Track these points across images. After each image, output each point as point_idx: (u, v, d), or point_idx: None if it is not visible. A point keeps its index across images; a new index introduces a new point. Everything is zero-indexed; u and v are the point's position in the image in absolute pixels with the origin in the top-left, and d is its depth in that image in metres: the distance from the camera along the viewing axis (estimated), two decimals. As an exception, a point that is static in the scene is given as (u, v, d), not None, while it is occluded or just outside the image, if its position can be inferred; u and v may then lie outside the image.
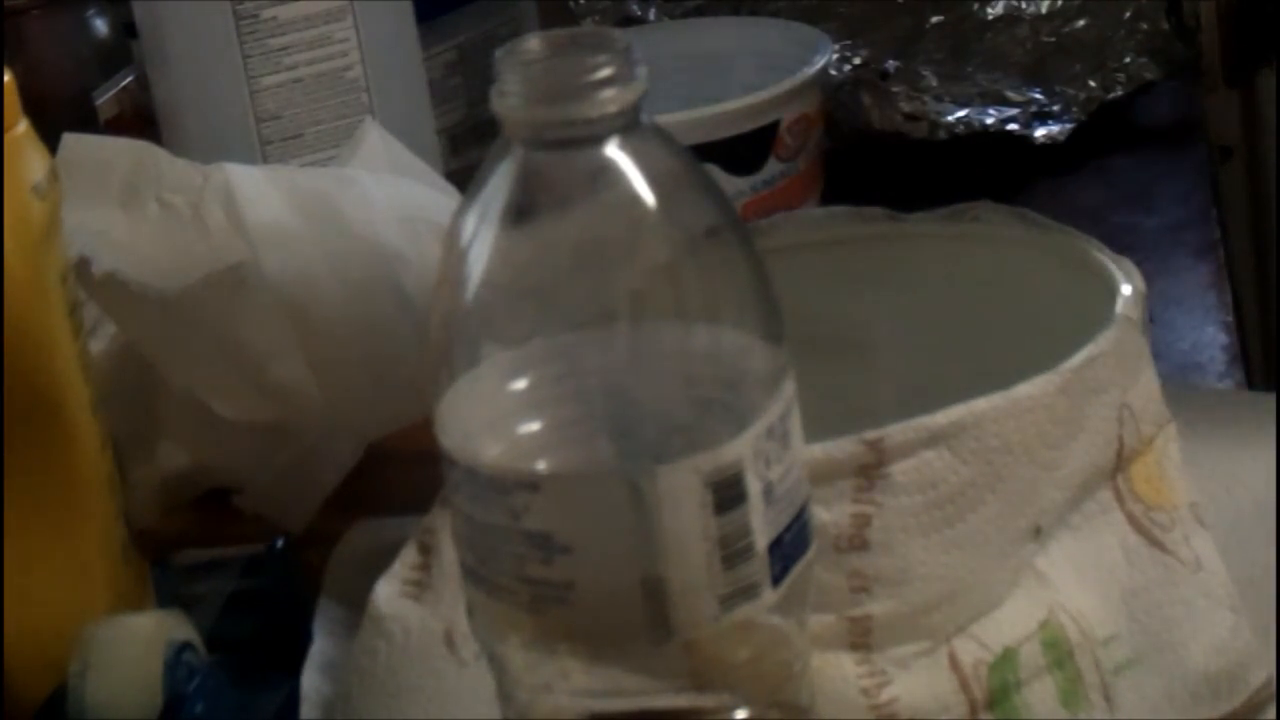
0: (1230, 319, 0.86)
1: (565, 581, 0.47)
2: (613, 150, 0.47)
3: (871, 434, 0.55)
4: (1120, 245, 0.64)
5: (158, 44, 0.97)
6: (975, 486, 0.55)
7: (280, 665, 0.65)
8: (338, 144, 0.94)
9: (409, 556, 0.63)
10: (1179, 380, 0.79)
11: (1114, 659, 0.56)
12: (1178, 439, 0.60)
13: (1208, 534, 0.60)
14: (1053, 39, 1.11)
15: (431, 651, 0.59)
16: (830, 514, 0.54)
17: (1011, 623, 0.55)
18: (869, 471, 0.54)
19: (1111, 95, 1.07)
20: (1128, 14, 1.10)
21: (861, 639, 0.54)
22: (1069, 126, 1.04)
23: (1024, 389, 0.56)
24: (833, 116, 1.02)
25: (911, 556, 0.54)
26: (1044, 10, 1.12)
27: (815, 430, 0.51)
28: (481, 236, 0.47)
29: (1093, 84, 1.08)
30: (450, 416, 0.48)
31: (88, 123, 0.99)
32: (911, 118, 1.04)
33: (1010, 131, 1.04)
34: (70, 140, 0.79)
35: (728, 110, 0.95)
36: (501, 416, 0.49)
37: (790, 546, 0.48)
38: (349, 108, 0.97)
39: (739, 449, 0.47)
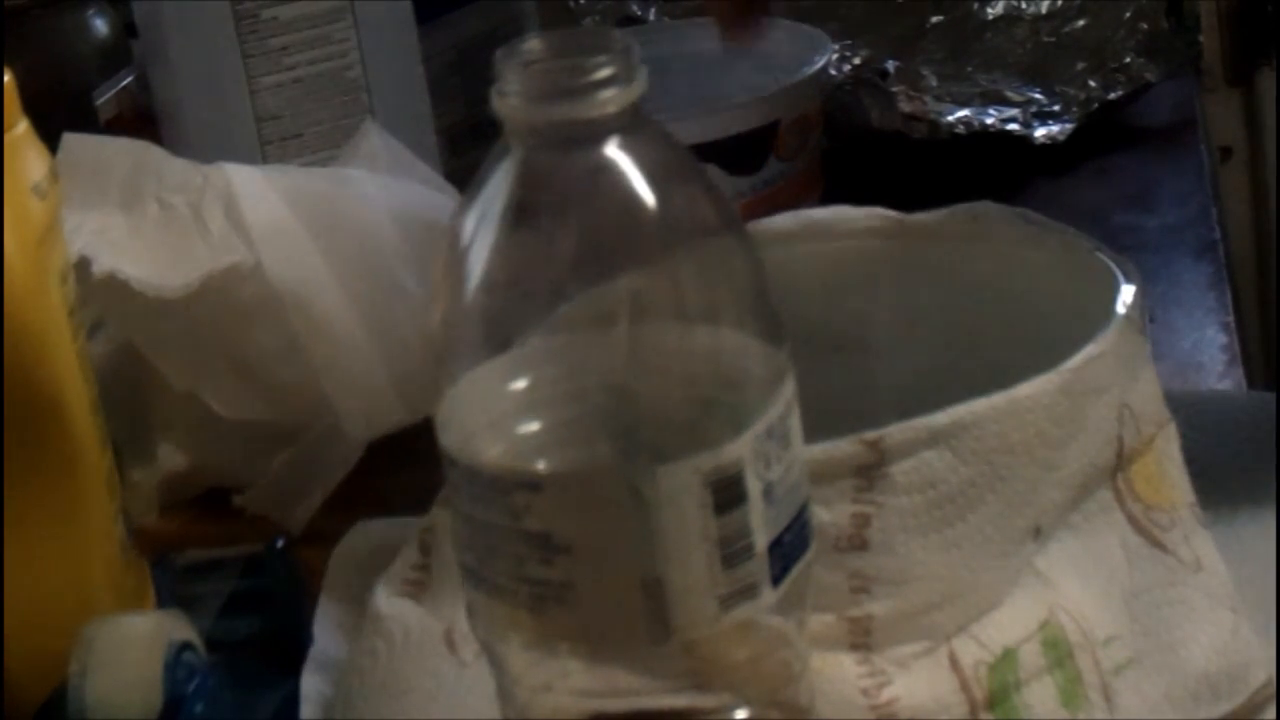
0: (1230, 319, 0.86)
1: (565, 581, 0.47)
2: (613, 150, 0.47)
3: (871, 434, 0.55)
4: (1120, 245, 0.64)
5: (158, 44, 0.97)
6: (975, 486, 0.55)
7: (280, 665, 0.65)
8: (338, 144, 0.94)
9: (409, 556, 0.63)
10: (1179, 380, 0.79)
11: (1114, 659, 0.56)
12: (1178, 439, 0.60)
13: (1208, 534, 0.60)
14: (1053, 39, 1.11)
15: (431, 651, 0.59)
16: (830, 514, 0.54)
17: (1011, 623, 0.55)
18: (869, 471, 0.54)
19: (1111, 95, 1.07)
20: (1128, 14, 1.10)
21: (861, 639, 0.54)
22: (1069, 126, 1.05)
23: (1024, 389, 0.56)
24: (833, 116, 1.02)
25: (911, 556, 0.54)
26: (1044, 10, 1.12)
27: (815, 430, 0.51)
28: (481, 236, 0.47)
29: (1093, 84, 1.08)
30: (450, 416, 0.48)
31: (88, 123, 0.99)
32: (912, 118, 1.04)
33: (1010, 131, 1.04)
34: (70, 140, 0.79)
35: (728, 110, 0.95)
36: (501, 416, 0.49)
37: (790, 546, 0.48)
38: (349, 108, 0.97)
39: (739, 449, 0.47)
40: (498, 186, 0.47)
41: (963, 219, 0.66)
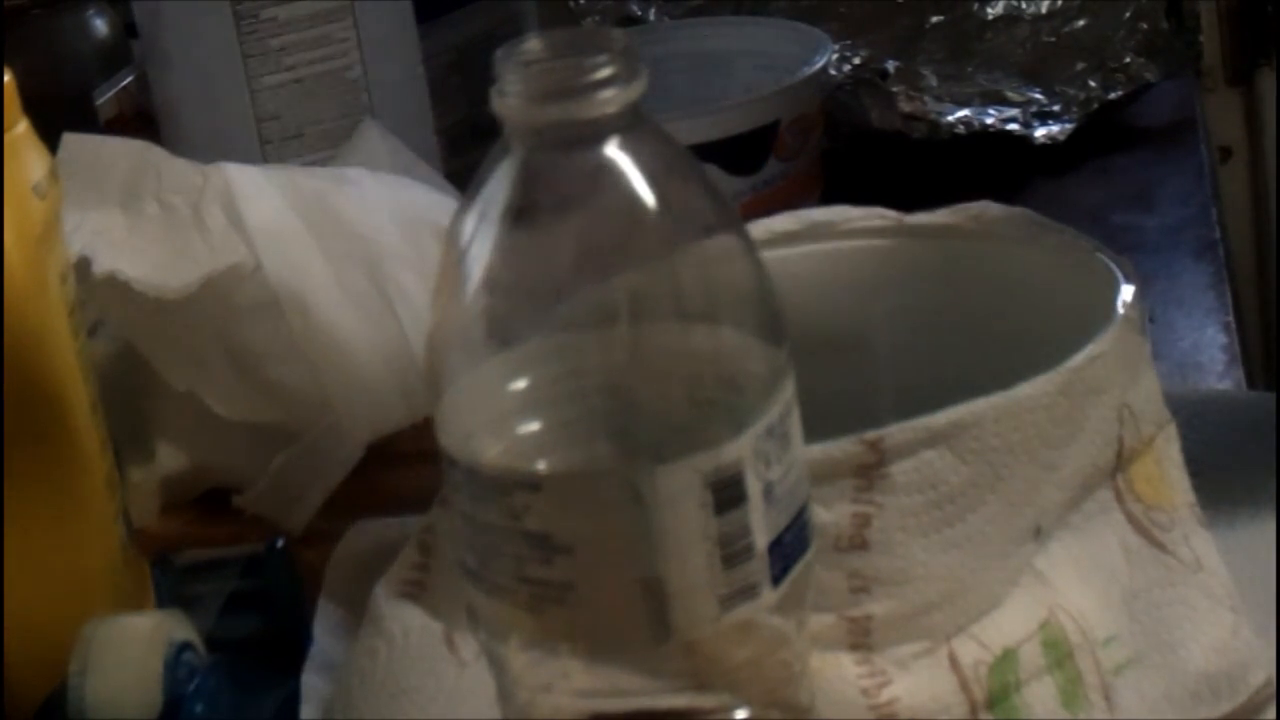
0: (1230, 319, 0.86)
1: (565, 581, 0.47)
2: (613, 150, 0.47)
3: (871, 434, 0.55)
4: (1120, 245, 0.64)
5: (158, 44, 0.97)
6: (975, 486, 0.55)
7: (280, 665, 0.65)
8: (338, 144, 0.95)
9: (409, 556, 0.63)
10: (1179, 380, 0.79)
11: (1114, 659, 0.56)
12: (1178, 439, 0.60)
13: (1208, 534, 0.60)
14: (1053, 39, 1.11)
15: (431, 651, 0.59)
16: (830, 514, 0.54)
17: (1011, 623, 0.55)
18: (869, 471, 0.54)
19: (1111, 95, 1.07)
20: (1128, 14, 1.10)
21: (861, 639, 0.54)
22: (1069, 126, 1.05)
23: (1024, 389, 0.56)
24: (833, 116, 1.02)
25: (911, 556, 0.54)
26: (1044, 10, 1.12)
27: (815, 430, 0.51)
28: (481, 236, 0.47)
29: (1093, 84, 1.08)
30: (450, 416, 0.48)
31: (88, 123, 0.99)
32: (911, 118, 1.05)
33: (1010, 131, 1.04)
34: (70, 140, 0.79)
35: (728, 110, 0.95)
36: (501, 416, 0.49)
37: (790, 546, 0.48)
38: (349, 108, 0.97)
39: (739, 449, 0.47)
40: (498, 186, 0.47)
41: (963, 219, 0.66)
